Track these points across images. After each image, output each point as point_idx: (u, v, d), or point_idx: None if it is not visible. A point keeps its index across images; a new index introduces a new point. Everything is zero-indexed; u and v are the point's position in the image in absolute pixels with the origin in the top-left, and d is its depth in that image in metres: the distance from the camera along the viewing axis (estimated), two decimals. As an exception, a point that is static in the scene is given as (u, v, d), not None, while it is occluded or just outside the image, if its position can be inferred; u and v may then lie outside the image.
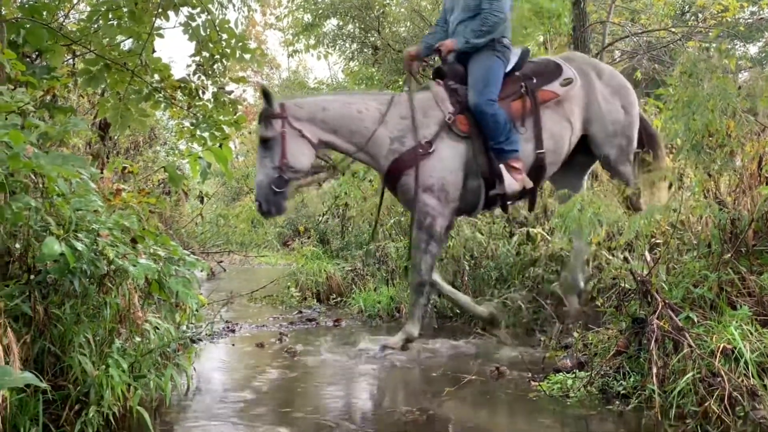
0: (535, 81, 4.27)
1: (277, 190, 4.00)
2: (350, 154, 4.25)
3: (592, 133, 4.37)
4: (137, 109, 4.40)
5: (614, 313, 3.51)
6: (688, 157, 3.32)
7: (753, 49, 15.02)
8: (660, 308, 2.94)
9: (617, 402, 2.98)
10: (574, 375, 3.28)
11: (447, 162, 4.12)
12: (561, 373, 3.36)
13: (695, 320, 2.95)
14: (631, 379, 3.05)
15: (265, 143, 4.05)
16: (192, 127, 4.69)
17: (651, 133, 4.57)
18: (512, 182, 4.10)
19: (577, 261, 4.31)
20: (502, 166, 4.11)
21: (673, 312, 2.94)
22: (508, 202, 4.32)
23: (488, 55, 4.24)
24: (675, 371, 2.81)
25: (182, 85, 4.43)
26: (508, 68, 4.31)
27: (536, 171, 4.25)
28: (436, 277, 4.44)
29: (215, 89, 4.56)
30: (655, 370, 2.77)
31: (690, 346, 2.74)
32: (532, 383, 3.34)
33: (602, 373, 3.17)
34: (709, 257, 3.29)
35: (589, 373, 3.20)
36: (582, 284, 4.22)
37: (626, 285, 3.58)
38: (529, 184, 4.18)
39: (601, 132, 4.35)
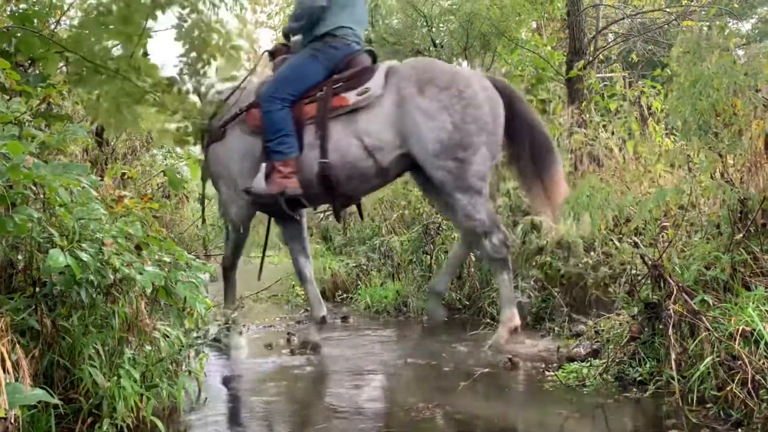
0: (338, 86, 3.94)
1: None
2: None
3: (413, 152, 3.86)
4: (130, 112, 4.37)
5: (626, 298, 3.48)
6: (695, 138, 3.27)
7: (746, 26, 14.98)
8: (674, 292, 2.90)
9: (634, 389, 2.96)
10: (588, 363, 3.25)
11: (232, 152, 4.13)
12: (575, 362, 3.33)
13: (710, 303, 2.91)
14: (647, 366, 3.02)
15: None
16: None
17: (539, 142, 3.96)
18: (261, 182, 3.93)
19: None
20: (263, 164, 3.95)
21: (688, 295, 2.91)
22: (300, 207, 4.15)
23: (304, 52, 4.06)
24: (692, 356, 2.78)
25: (172, 83, 4.42)
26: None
27: (324, 181, 3.91)
28: (307, 268, 4.38)
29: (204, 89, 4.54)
30: (674, 356, 2.73)
31: (707, 330, 2.70)
32: (547, 373, 3.31)
33: (617, 360, 3.14)
34: (719, 238, 3.25)
35: (604, 361, 3.17)
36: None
37: (637, 270, 3.56)
38: (291, 190, 3.90)
39: (421, 152, 3.81)
